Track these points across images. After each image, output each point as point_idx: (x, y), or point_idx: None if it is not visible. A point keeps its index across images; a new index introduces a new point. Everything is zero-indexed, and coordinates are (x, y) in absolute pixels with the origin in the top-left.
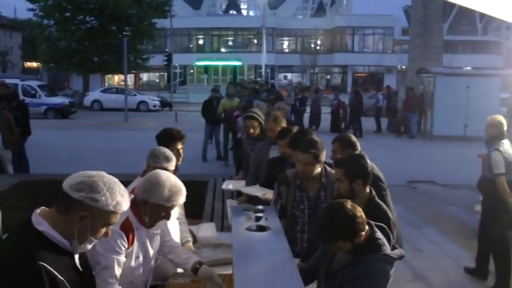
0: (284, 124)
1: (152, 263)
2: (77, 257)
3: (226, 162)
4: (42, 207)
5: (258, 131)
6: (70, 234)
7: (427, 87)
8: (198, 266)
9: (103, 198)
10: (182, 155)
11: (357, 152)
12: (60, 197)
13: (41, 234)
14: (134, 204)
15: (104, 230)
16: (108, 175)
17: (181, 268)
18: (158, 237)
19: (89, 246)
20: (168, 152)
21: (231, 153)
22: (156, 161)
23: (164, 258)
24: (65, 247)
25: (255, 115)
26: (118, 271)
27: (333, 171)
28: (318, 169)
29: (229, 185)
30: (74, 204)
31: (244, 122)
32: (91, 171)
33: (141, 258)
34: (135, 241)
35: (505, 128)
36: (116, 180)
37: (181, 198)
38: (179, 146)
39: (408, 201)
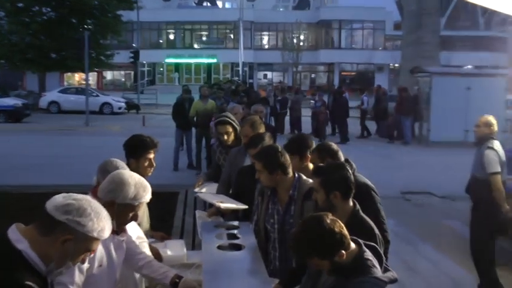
0: (262, 129)
1: (118, 273)
2: (49, 281)
3: (199, 171)
4: (18, 223)
5: (232, 137)
6: (48, 257)
7: (422, 88)
8: (177, 280)
9: (90, 223)
10: (154, 164)
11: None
12: (42, 217)
13: (20, 253)
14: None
15: (82, 256)
16: (93, 200)
17: (159, 283)
18: (124, 244)
19: (65, 272)
20: (121, 165)
21: (206, 162)
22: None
23: (137, 273)
24: (40, 270)
25: (228, 119)
26: (79, 278)
27: (308, 182)
28: (285, 179)
29: (203, 189)
30: (57, 226)
31: (216, 127)
32: (76, 194)
33: (104, 266)
34: (99, 245)
35: (496, 128)
36: (100, 205)
37: (148, 195)
38: (151, 156)
39: (402, 215)
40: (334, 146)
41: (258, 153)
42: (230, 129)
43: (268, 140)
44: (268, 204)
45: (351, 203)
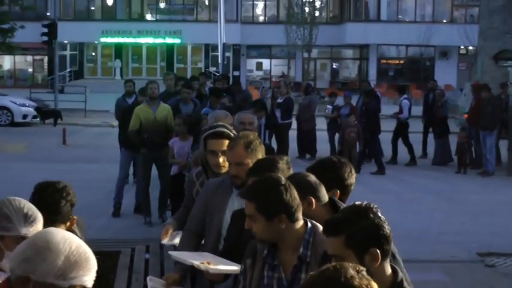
0: (262, 154)
1: None
2: None
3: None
4: None
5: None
6: None
7: None
8: None
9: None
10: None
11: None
12: None
13: None
14: (5, 286)
15: None
16: None
17: None
18: None
19: None
20: (28, 207)
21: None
22: (4, 227)
23: None
24: None
25: (227, 131)
26: None
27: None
28: (292, 230)
29: (175, 239)
30: None
31: (205, 143)
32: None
33: None
34: None
35: None
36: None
37: (88, 275)
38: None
39: None
40: (313, 178)
41: (249, 189)
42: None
43: (286, 168)
44: (263, 271)
45: (389, 269)
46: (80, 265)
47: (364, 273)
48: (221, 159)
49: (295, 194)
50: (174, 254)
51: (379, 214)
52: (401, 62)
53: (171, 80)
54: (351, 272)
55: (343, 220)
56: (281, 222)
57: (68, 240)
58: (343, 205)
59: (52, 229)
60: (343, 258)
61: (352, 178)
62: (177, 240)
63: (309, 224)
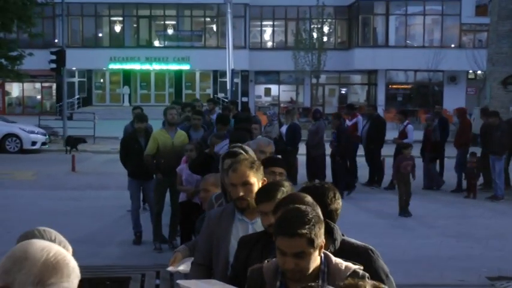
0: (262, 174)
1: None
2: None
3: (170, 244)
4: None
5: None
6: None
7: None
8: None
9: None
10: None
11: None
12: None
13: None
14: None
15: None
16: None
17: None
18: None
19: None
20: (60, 239)
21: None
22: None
23: None
24: None
25: (244, 151)
26: None
27: (341, 265)
28: (316, 260)
29: (180, 266)
30: None
31: (223, 164)
32: None
33: None
34: None
35: None
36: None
37: (67, 281)
38: None
39: None
40: (309, 198)
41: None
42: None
43: (290, 190)
44: None
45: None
46: (59, 271)
47: None
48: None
49: (320, 226)
50: (182, 282)
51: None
52: (410, 86)
53: (173, 112)
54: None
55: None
56: (309, 256)
57: (47, 248)
58: (336, 227)
59: (32, 240)
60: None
61: (336, 203)
62: (181, 267)
63: (322, 255)
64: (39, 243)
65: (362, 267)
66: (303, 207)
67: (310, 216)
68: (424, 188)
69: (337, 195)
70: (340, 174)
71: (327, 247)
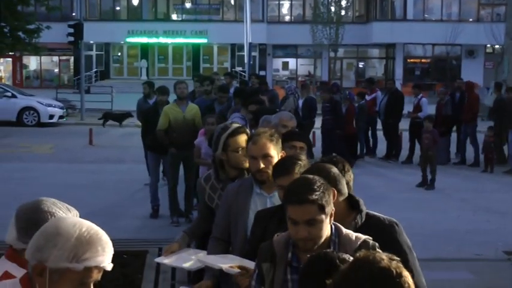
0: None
1: None
2: None
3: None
4: None
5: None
6: None
7: None
8: None
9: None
10: None
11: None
12: None
13: None
14: (27, 280)
15: None
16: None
17: None
18: None
19: None
20: (59, 209)
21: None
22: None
23: None
24: None
25: (246, 129)
26: None
27: (351, 235)
28: (327, 229)
29: (165, 260)
30: None
31: (226, 142)
32: None
33: None
34: None
35: None
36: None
37: (102, 255)
38: None
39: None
40: (335, 169)
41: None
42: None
43: (307, 164)
44: (286, 275)
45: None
46: (93, 245)
47: (397, 261)
48: (240, 152)
49: (329, 193)
50: (201, 258)
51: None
52: (428, 60)
53: (182, 86)
54: (384, 258)
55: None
56: (321, 223)
57: (78, 223)
58: (360, 200)
59: (62, 216)
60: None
61: (347, 175)
62: (167, 261)
63: (332, 226)
64: (69, 219)
65: (371, 238)
66: (311, 176)
67: (319, 183)
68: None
69: (347, 167)
70: (342, 147)
71: (353, 219)
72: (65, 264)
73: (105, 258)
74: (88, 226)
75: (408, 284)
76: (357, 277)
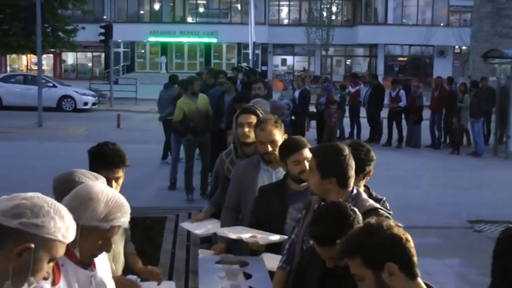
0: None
1: None
2: None
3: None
4: None
5: (253, 135)
6: (3, 276)
7: (500, 79)
8: None
9: (51, 223)
10: (120, 184)
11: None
12: None
13: None
14: None
15: (46, 267)
16: (47, 196)
17: None
18: (94, 282)
19: None
20: (89, 179)
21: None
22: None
23: None
24: None
25: (254, 109)
26: None
27: (366, 202)
28: (339, 192)
29: (197, 229)
30: (9, 235)
31: (237, 121)
32: (24, 193)
33: None
34: (61, 280)
35: None
36: (58, 203)
37: (124, 217)
38: (118, 174)
39: (469, 252)
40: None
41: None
42: (254, 122)
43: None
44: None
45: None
46: (117, 209)
47: (403, 228)
48: (246, 129)
49: (352, 164)
50: (219, 231)
51: (386, 215)
52: (405, 59)
53: (196, 84)
54: (391, 223)
55: (355, 240)
56: (331, 183)
57: (106, 190)
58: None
59: (91, 182)
60: (363, 278)
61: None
62: (187, 226)
63: (354, 191)
64: (98, 187)
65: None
66: (336, 147)
67: (333, 152)
68: (408, 146)
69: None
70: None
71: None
72: (95, 223)
73: (126, 220)
74: (113, 193)
75: (413, 248)
76: (370, 241)
